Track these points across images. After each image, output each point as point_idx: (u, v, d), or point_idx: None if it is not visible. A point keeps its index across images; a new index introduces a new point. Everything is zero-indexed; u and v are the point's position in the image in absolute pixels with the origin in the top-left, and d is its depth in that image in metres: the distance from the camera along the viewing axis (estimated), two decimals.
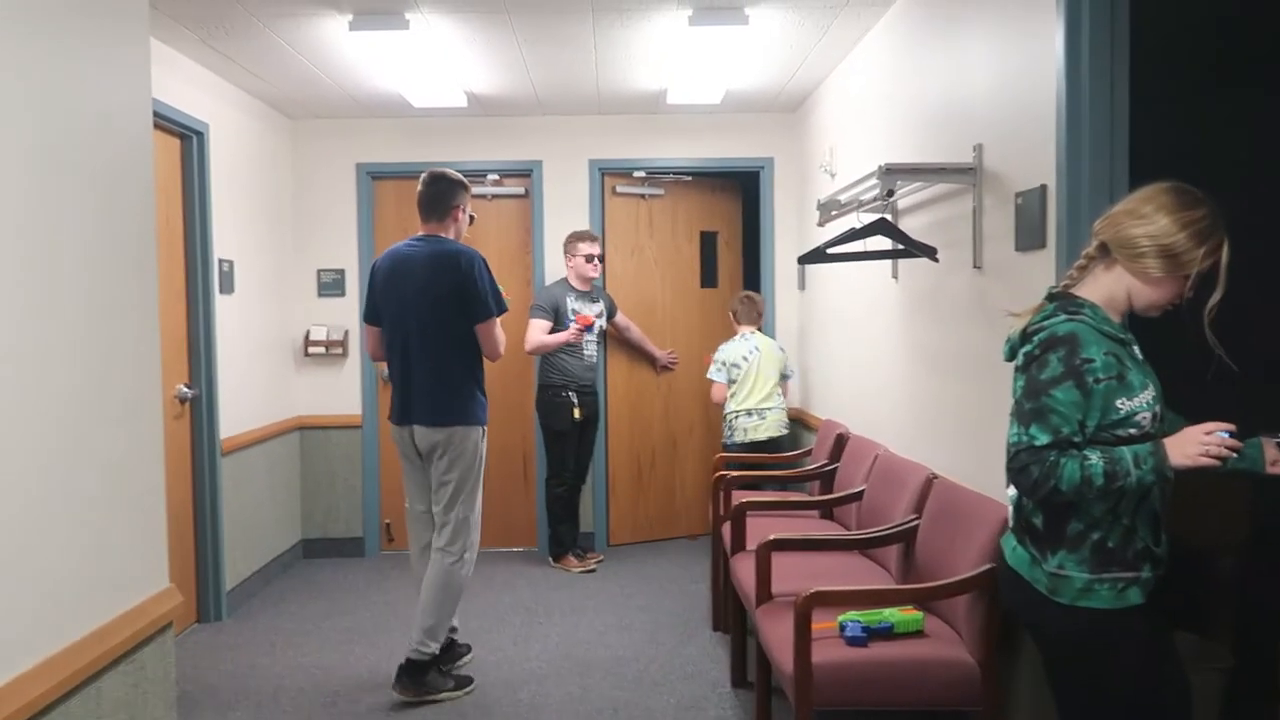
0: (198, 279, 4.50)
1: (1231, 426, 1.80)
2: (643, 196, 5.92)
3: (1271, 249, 2.99)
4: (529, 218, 5.83)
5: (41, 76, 1.78)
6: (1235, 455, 1.79)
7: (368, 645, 4.22)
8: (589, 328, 5.28)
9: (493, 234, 5.85)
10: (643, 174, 5.86)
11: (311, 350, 5.67)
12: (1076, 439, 1.83)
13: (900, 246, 3.27)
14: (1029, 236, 2.64)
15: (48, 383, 1.76)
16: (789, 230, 5.81)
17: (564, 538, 5.44)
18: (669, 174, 5.89)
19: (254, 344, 5.10)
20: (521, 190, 5.83)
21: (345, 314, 5.73)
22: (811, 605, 2.48)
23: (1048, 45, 2.54)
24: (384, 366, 3.90)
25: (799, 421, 5.75)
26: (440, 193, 3.73)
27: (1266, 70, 3.36)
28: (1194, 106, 3.45)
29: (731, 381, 5.17)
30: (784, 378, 5.28)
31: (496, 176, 5.80)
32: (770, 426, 5.10)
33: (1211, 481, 3.09)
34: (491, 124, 5.74)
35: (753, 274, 6.07)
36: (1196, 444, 1.78)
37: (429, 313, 3.56)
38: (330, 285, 5.74)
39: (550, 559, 5.49)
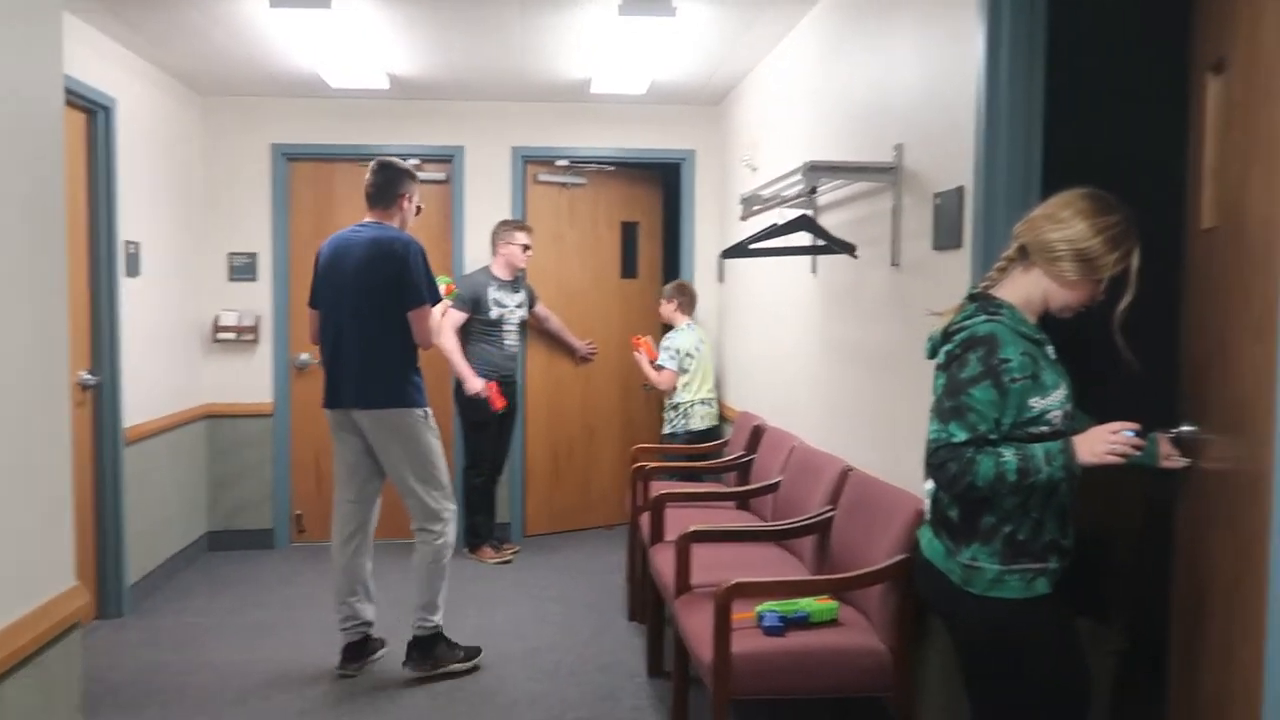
0: (102, 261, 4.31)
1: (1136, 426, 1.88)
2: (564, 185, 5.89)
3: (1173, 254, 3.12)
4: (449, 204, 5.74)
5: None
6: (1139, 453, 1.88)
7: (279, 640, 4.12)
8: (485, 398, 5.14)
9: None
10: (565, 162, 5.83)
11: (221, 336, 5.48)
12: (993, 436, 1.89)
13: (821, 243, 3.32)
14: (946, 236, 2.71)
15: None
16: (710, 222, 5.85)
17: (480, 529, 5.40)
18: (592, 163, 5.87)
19: (160, 329, 4.91)
20: (442, 176, 5.74)
21: (257, 299, 5.56)
22: (731, 597, 2.51)
23: (969, 51, 2.61)
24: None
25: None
26: (388, 180, 3.72)
27: (1166, 84, 3.51)
28: (1101, 115, 3.58)
29: (683, 371, 5.21)
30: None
31: (417, 161, 5.66)
32: (714, 415, 5.28)
33: (1107, 472, 3.25)
34: (413, 107, 5.64)
35: (673, 265, 6.10)
36: (1104, 442, 1.86)
37: (364, 298, 3.56)
38: (242, 269, 5.56)
39: (466, 550, 5.44)
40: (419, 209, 3.83)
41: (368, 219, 3.72)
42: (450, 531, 3.74)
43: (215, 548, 5.55)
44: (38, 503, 1.95)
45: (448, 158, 5.70)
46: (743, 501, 4.16)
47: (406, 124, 5.64)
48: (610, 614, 4.41)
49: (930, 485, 2.04)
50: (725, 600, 2.50)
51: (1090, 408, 2.17)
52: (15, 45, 1.92)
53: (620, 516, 5.84)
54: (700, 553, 3.12)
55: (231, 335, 5.51)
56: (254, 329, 5.52)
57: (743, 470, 4.33)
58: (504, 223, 5.36)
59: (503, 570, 5.16)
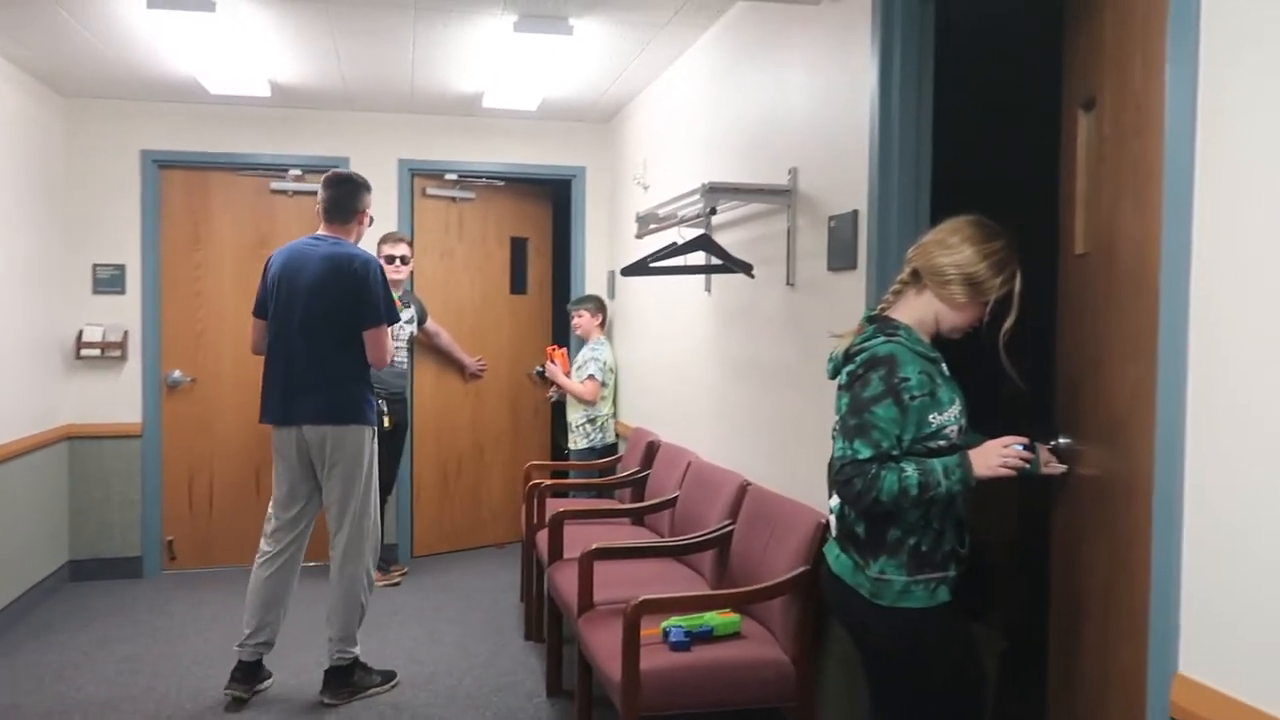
0: None
1: (1025, 440, 2.00)
2: (453, 200, 5.82)
3: (1050, 273, 3.32)
4: None
5: None
6: (1028, 466, 1.99)
7: (151, 675, 3.89)
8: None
9: (295, 231, 5.53)
10: (454, 176, 5.76)
11: (85, 353, 5.17)
12: (895, 452, 1.97)
13: (719, 262, 3.38)
14: (841, 257, 2.81)
15: None
16: (600, 238, 5.88)
17: None
18: (482, 178, 5.83)
19: (15, 345, 4.58)
20: None
21: (126, 313, 5.26)
22: (640, 613, 2.52)
23: (861, 81, 2.72)
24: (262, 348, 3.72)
25: None
26: (346, 194, 3.65)
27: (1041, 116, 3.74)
28: (981, 142, 3.79)
29: (604, 384, 5.23)
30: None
31: (299, 172, 5.52)
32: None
33: (979, 481, 3.42)
34: (295, 116, 5.46)
35: (563, 281, 6.09)
36: (997, 456, 1.97)
37: (320, 312, 3.49)
38: (108, 281, 5.25)
39: None
40: (371, 220, 3.79)
41: (322, 232, 3.64)
42: (372, 564, 3.68)
43: (79, 578, 5.20)
44: None
45: (331, 169, 5.52)
46: (638, 517, 4.19)
47: (288, 133, 5.46)
48: (506, 634, 4.36)
49: (835, 502, 2.11)
50: (634, 617, 2.51)
51: (979, 422, 2.29)
52: None
53: (512, 535, 5.79)
54: (601, 570, 3.13)
55: (96, 351, 5.20)
56: (121, 344, 5.23)
57: (638, 486, 4.35)
58: (382, 236, 5.22)
59: (391, 593, 5.02)
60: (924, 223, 2.64)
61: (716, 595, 2.80)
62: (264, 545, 3.64)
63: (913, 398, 1.98)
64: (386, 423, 5.11)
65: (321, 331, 3.49)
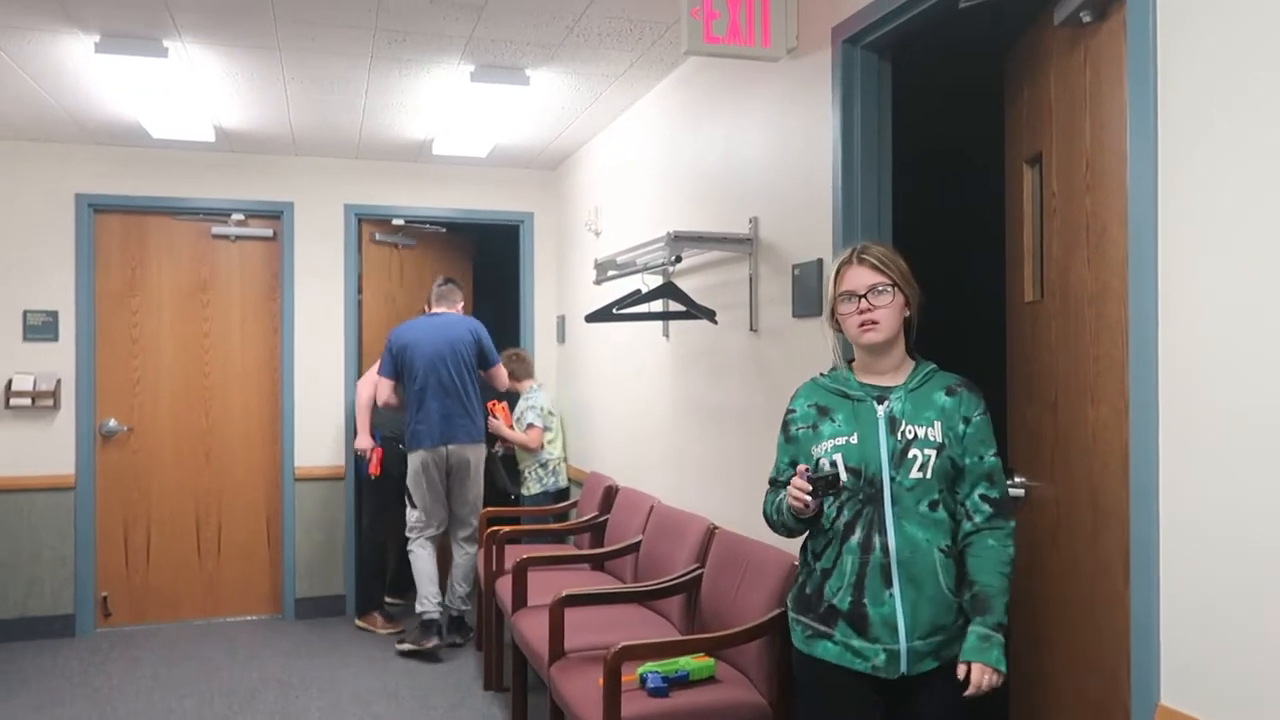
0: None
1: (805, 468, 1.97)
2: (396, 246, 5.81)
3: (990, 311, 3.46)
4: (277, 260, 5.51)
5: None
6: (809, 497, 1.93)
7: None
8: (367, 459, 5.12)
9: (236, 277, 5.46)
10: (401, 221, 5.75)
11: (14, 402, 4.97)
12: (781, 479, 2.14)
13: (681, 308, 3.45)
14: (806, 304, 2.90)
15: None
16: (548, 284, 5.91)
17: (375, 593, 5.18)
18: (428, 223, 5.83)
19: None
20: (270, 232, 5.50)
21: (58, 361, 5.08)
22: (621, 660, 2.53)
23: (822, 134, 2.83)
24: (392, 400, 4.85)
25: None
26: (453, 289, 4.98)
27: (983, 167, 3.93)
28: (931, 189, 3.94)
29: (547, 429, 5.27)
30: None
31: (241, 216, 5.44)
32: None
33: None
34: (238, 160, 5.40)
35: (511, 327, 6.08)
36: (792, 488, 1.97)
37: (456, 362, 4.73)
38: (40, 329, 5.07)
39: (356, 619, 5.20)
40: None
41: (436, 309, 4.91)
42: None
43: (6, 638, 4.95)
44: None
45: (276, 214, 5.48)
46: (598, 563, 4.18)
47: (231, 177, 5.39)
48: (464, 684, 4.28)
49: None
50: (615, 664, 2.51)
51: None
52: None
53: None
54: (568, 616, 3.11)
55: (26, 401, 5.00)
56: (53, 393, 5.04)
57: (597, 531, 4.35)
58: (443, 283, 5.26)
59: (345, 645, 4.89)
60: None
61: (695, 640, 2.81)
62: (422, 542, 4.77)
63: (797, 429, 2.12)
64: (373, 465, 5.10)
65: (463, 377, 4.73)
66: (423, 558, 4.72)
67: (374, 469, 5.05)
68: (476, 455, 4.77)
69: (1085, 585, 2.21)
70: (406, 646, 4.64)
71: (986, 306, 3.28)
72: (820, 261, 2.82)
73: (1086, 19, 2.14)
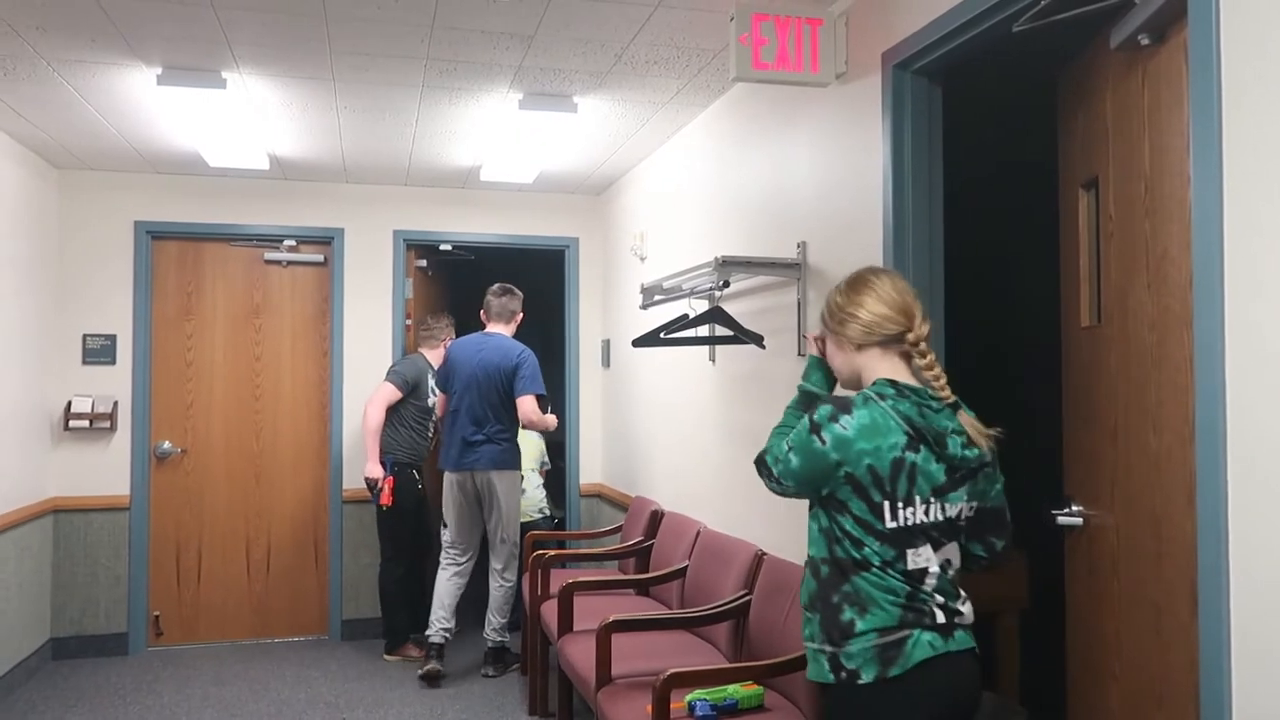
0: None
1: None
2: (428, 273, 5.94)
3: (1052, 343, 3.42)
4: (328, 285, 5.60)
5: None
6: None
7: None
8: (379, 489, 4.96)
9: (287, 301, 5.57)
10: (449, 247, 5.82)
11: (73, 424, 5.09)
12: None
13: (728, 332, 3.45)
14: None
15: None
16: (593, 308, 5.94)
17: (401, 626, 5.03)
18: (474, 249, 5.90)
19: (3, 416, 4.50)
20: (320, 258, 5.61)
21: (116, 383, 5.21)
22: (670, 687, 2.51)
23: (871, 160, 2.82)
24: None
25: (599, 497, 5.83)
26: (508, 302, 4.86)
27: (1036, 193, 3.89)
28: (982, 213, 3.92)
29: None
30: (542, 466, 5.73)
31: (293, 242, 5.55)
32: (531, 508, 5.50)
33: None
34: (291, 188, 5.51)
35: (558, 349, 6.11)
36: None
37: (489, 388, 4.66)
38: (98, 352, 5.20)
39: (384, 653, 5.06)
40: (522, 319, 4.95)
41: (489, 329, 4.83)
42: (514, 574, 4.76)
43: (61, 656, 5.05)
44: None
45: (327, 239, 5.58)
46: (643, 588, 4.17)
47: (283, 204, 5.50)
48: (509, 708, 4.28)
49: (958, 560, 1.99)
50: (665, 691, 2.50)
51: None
52: None
53: None
54: (615, 642, 3.10)
55: (85, 423, 5.12)
56: (110, 416, 5.16)
57: (642, 556, 4.34)
58: (439, 318, 5.34)
59: (388, 667, 4.91)
60: (939, 295, 2.73)
61: (744, 668, 2.78)
62: (445, 565, 4.75)
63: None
64: (420, 490, 5.09)
65: (494, 403, 4.65)
66: (441, 580, 4.72)
67: (385, 499, 4.89)
68: (504, 481, 4.66)
69: (1149, 616, 2.16)
70: (419, 671, 4.65)
71: (1040, 331, 3.25)
72: None
73: (1145, 42, 2.12)
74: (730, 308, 3.71)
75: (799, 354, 3.24)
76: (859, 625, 1.85)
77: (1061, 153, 2.72)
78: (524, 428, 4.79)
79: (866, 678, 1.83)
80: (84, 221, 5.23)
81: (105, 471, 5.18)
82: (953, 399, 1.95)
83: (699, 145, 4.29)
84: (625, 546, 4.50)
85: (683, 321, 3.45)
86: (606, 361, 5.78)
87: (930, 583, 1.88)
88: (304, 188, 5.52)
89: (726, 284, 3.35)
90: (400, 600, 5.02)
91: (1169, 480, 2.06)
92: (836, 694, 1.88)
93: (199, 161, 4.99)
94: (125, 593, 5.18)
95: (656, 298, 4.00)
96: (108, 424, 5.15)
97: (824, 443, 1.88)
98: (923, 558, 1.88)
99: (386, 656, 5.04)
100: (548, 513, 5.64)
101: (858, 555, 1.87)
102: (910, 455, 1.87)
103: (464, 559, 4.74)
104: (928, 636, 1.85)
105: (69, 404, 5.11)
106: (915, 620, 1.85)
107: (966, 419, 1.96)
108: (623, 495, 5.26)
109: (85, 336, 5.20)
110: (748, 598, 3.21)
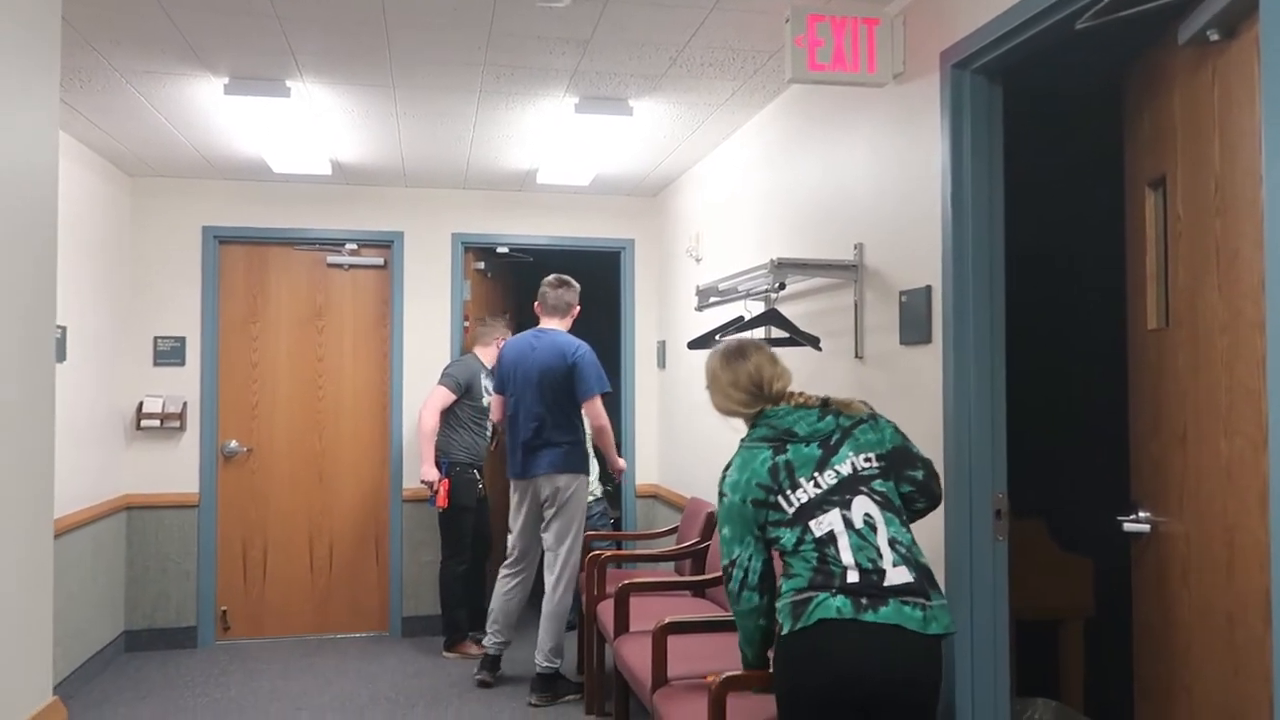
0: None
1: None
2: (486, 275, 6.02)
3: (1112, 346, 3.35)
4: (388, 288, 5.70)
5: None
6: None
7: None
8: (435, 491, 5.04)
9: (349, 304, 5.68)
10: (505, 249, 5.89)
11: (145, 423, 5.26)
12: None
13: (784, 334, 3.43)
14: (914, 331, 2.85)
15: None
16: (648, 310, 5.96)
17: (461, 623, 5.11)
18: (531, 251, 5.95)
19: (80, 416, 4.67)
20: (380, 261, 5.71)
21: (185, 384, 5.37)
22: (726, 690, 2.51)
23: (929, 159, 2.79)
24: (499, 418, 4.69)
25: (654, 497, 5.84)
26: (567, 293, 4.58)
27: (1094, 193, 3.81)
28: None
29: None
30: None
31: (354, 246, 5.66)
32: None
33: (1055, 555, 3.40)
34: (352, 192, 5.62)
35: (613, 351, 6.13)
36: None
37: (543, 389, 4.40)
38: (168, 354, 5.37)
39: (444, 650, 5.13)
40: (579, 311, 4.67)
41: (544, 325, 4.54)
42: (571, 589, 4.44)
43: (134, 648, 5.22)
44: (20, 617, 1.84)
45: (387, 243, 5.68)
46: (699, 589, 4.17)
47: (345, 209, 5.61)
48: (566, 708, 4.31)
49: (899, 539, 2.26)
50: (720, 694, 2.50)
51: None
52: (22, 129, 1.88)
53: None
54: (670, 644, 3.11)
55: (156, 422, 5.29)
56: (180, 415, 5.32)
57: (698, 558, 4.34)
58: (496, 318, 5.46)
59: (447, 665, 4.98)
60: (999, 296, 2.69)
61: None
62: (504, 571, 4.55)
63: None
64: (481, 489, 5.15)
65: (550, 404, 4.38)
66: (498, 591, 4.52)
67: (442, 501, 4.97)
68: (565, 485, 4.36)
69: (1221, 627, 2.10)
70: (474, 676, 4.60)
71: (1102, 334, 3.18)
72: (929, 289, 2.77)
73: (1214, 37, 2.07)
74: (786, 309, 3.69)
75: (855, 356, 3.22)
76: (784, 588, 2.25)
77: (1127, 151, 2.66)
78: (595, 435, 4.53)
79: (785, 629, 2.20)
80: (155, 227, 5.40)
81: (175, 469, 5.34)
82: (818, 401, 2.43)
83: (754, 147, 4.28)
84: (681, 548, 4.50)
85: (738, 323, 3.44)
86: (662, 363, 5.79)
87: (843, 543, 2.20)
88: (365, 192, 5.63)
89: (782, 286, 3.33)
90: (460, 598, 5.11)
91: (1241, 487, 2.01)
92: (778, 642, 2.27)
93: (264, 168, 5.12)
94: (194, 588, 5.33)
95: (712, 299, 4.00)
96: (177, 423, 5.31)
97: (727, 496, 2.36)
98: (825, 523, 2.22)
99: (445, 654, 5.11)
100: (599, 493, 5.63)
101: (784, 545, 2.28)
102: (779, 457, 2.31)
103: (521, 566, 4.52)
104: (836, 601, 2.14)
105: (141, 404, 5.27)
106: (823, 583, 2.17)
107: (834, 400, 2.44)
108: (678, 496, 5.27)
109: (156, 338, 5.36)
110: None
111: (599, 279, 6.43)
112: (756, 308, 3.74)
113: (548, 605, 4.36)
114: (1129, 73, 2.59)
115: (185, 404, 5.34)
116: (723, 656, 3.21)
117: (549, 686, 4.34)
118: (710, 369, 2.55)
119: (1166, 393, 2.39)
